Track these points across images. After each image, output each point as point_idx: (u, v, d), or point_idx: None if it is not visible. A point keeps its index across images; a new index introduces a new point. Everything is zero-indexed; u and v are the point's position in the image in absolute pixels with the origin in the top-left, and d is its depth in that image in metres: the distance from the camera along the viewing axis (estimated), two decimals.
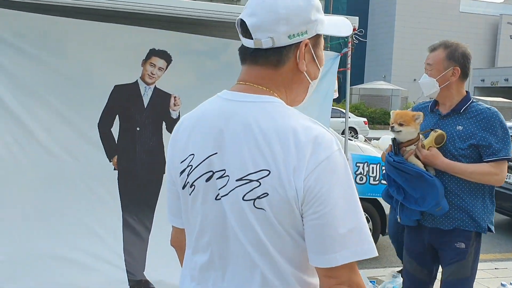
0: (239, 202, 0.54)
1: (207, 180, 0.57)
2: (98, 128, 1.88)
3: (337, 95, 2.17)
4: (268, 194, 0.52)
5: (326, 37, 2.78)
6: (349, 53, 2.03)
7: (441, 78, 1.43)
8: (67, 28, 1.80)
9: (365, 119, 12.07)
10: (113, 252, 1.86)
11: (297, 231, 0.54)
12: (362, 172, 2.95)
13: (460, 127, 1.44)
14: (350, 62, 2.03)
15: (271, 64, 0.58)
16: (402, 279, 2.00)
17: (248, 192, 0.53)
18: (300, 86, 0.62)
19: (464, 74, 1.44)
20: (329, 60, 2.16)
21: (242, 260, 0.56)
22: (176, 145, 0.63)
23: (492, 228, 1.47)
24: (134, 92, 1.91)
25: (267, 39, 0.55)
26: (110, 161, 1.90)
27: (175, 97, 1.95)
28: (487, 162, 1.38)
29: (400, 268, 2.64)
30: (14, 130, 1.76)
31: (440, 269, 1.66)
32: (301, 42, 0.57)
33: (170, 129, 2.02)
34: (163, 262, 1.92)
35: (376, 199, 3.05)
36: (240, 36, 0.59)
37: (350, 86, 2.23)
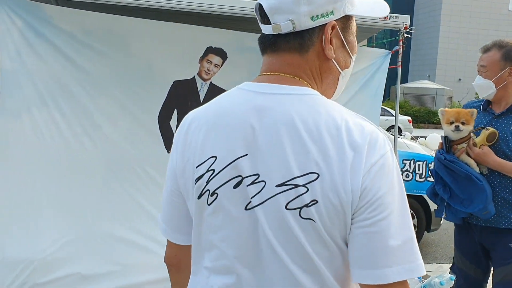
0: (280, 212, 0.46)
1: (235, 186, 0.48)
2: (158, 121, 2.04)
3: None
4: (317, 201, 0.44)
5: (372, 37, 2.78)
6: (400, 51, 2.05)
7: (498, 79, 1.43)
8: (130, 26, 1.96)
9: (409, 118, 12.11)
10: None
11: (346, 243, 0.46)
12: (409, 169, 2.99)
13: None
14: (400, 60, 2.06)
15: (295, 50, 0.50)
16: (449, 274, 2.00)
17: (292, 200, 0.45)
18: (329, 76, 0.53)
19: None
20: (379, 58, 2.19)
21: (282, 281, 0.47)
22: (187, 147, 0.53)
23: None
24: (192, 87, 2.05)
25: (286, 22, 0.48)
26: (168, 152, 2.05)
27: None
28: None
29: (447, 265, 2.65)
30: (83, 121, 1.95)
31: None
32: (326, 24, 0.49)
33: None
34: None
35: (421, 196, 3.08)
36: (260, 23, 0.52)
37: (395, 85, 2.24)
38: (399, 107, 2.65)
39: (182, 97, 2.05)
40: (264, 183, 0.46)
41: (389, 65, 2.11)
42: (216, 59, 2.02)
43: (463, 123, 1.44)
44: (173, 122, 2.05)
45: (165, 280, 1.65)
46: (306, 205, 0.44)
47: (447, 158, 1.50)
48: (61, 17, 1.88)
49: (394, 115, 2.28)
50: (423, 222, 3.22)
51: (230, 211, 0.48)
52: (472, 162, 1.46)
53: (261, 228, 0.46)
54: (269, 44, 0.51)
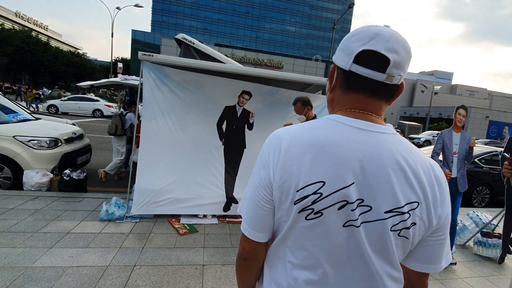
0: (385, 232, 0.57)
1: (339, 208, 0.57)
2: (217, 125, 3.93)
3: None
4: (415, 224, 0.57)
5: (322, 88, 4.75)
6: None
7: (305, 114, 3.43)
8: (206, 79, 3.73)
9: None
10: (220, 183, 3.93)
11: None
12: None
13: None
14: None
15: (389, 98, 0.61)
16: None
17: (397, 223, 0.56)
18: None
19: None
20: (325, 99, 4.18)
21: (363, 276, 0.60)
22: (288, 167, 0.59)
23: None
24: (233, 109, 3.96)
25: (398, 76, 0.57)
26: (221, 141, 3.98)
27: (252, 113, 4.00)
28: None
29: None
30: (181, 125, 3.73)
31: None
32: (402, 82, 0.61)
33: (249, 128, 4.01)
34: (242, 190, 3.99)
35: None
36: (357, 65, 0.59)
37: None
38: None
39: (229, 114, 3.97)
40: (370, 208, 0.56)
41: None
42: (246, 96, 3.94)
43: None
44: (224, 126, 3.97)
45: (219, 203, 3.63)
46: (407, 228, 0.57)
47: None
48: (173, 73, 3.65)
49: None
50: None
51: (330, 227, 0.58)
52: None
53: (357, 241, 0.57)
54: (373, 87, 0.59)
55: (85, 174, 4.56)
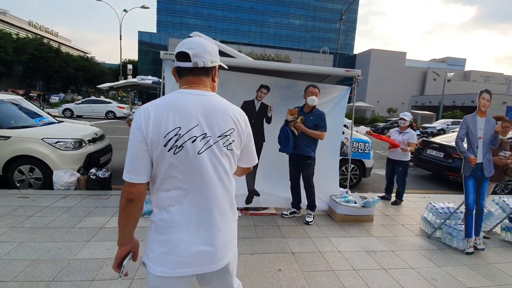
0: (220, 148, 1.04)
1: (193, 142, 1.00)
2: None
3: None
4: (234, 141, 1.07)
5: (341, 79, 4.75)
6: (355, 87, 4.05)
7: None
8: (227, 74, 3.77)
9: (351, 121, 17.26)
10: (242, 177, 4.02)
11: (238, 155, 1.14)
12: (356, 146, 5.19)
13: (311, 117, 3.52)
14: (355, 92, 4.07)
15: (207, 75, 1.09)
16: (377, 197, 3.97)
17: (225, 142, 1.05)
18: (215, 87, 1.16)
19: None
20: (345, 90, 4.19)
21: (214, 186, 1.06)
22: (155, 122, 0.99)
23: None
24: (252, 103, 4.02)
25: (202, 62, 1.05)
26: None
27: (270, 107, 4.05)
28: (320, 131, 3.48)
29: (381, 194, 4.75)
30: None
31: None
32: (215, 66, 1.11)
33: (267, 121, 4.08)
34: (263, 183, 4.07)
35: (361, 160, 5.56)
36: (177, 62, 1.08)
37: (348, 103, 4.24)
38: (347, 116, 4.75)
39: (247, 108, 4.02)
40: (210, 137, 1.02)
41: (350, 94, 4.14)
42: (264, 90, 3.99)
43: (293, 114, 3.53)
44: None
45: (241, 196, 3.72)
46: (230, 143, 1.06)
47: (286, 128, 3.59)
48: None
49: (351, 120, 4.35)
50: (362, 173, 5.69)
51: (189, 155, 1.00)
52: (294, 130, 3.52)
53: (206, 161, 1.03)
54: (190, 71, 1.06)
55: (109, 172, 4.73)
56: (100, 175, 4.58)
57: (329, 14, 72.30)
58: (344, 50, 69.53)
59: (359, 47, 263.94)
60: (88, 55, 58.93)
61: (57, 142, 4.67)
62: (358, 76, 3.94)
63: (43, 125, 5.18)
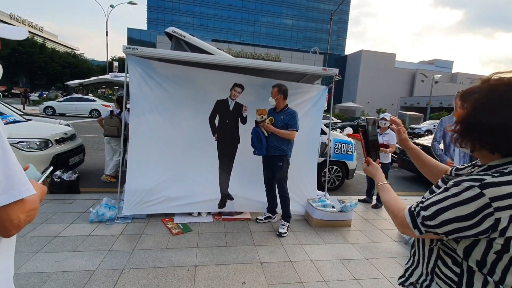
0: None
1: None
2: (209, 120, 3.79)
3: (326, 108, 4.07)
4: None
5: (323, 78, 4.61)
6: (333, 86, 3.90)
7: (278, 99, 3.40)
8: (196, 72, 3.61)
9: (341, 120, 20.22)
10: (214, 178, 3.79)
11: None
12: (338, 147, 5.00)
13: (282, 117, 3.31)
14: (333, 92, 3.92)
15: None
16: (356, 201, 3.83)
17: None
18: None
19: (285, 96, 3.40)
20: (322, 90, 4.04)
21: None
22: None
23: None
24: (226, 103, 3.82)
25: None
26: (213, 136, 3.84)
27: (245, 106, 3.85)
28: (289, 130, 3.30)
29: (362, 197, 4.63)
30: (172, 120, 3.62)
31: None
32: None
33: (242, 122, 3.87)
34: (237, 186, 3.88)
35: (344, 161, 5.39)
36: None
37: (334, 104, 4.10)
38: (337, 116, 4.58)
39: (221, 108, 3.82)
40: None
41: (328, 93, 3.98)
42: (238, 89, 3.80)
43: (262, 115, 3.40)
44: (216, 121, 3.84)
45: (214, 200, 3.52)
46: None
47: (256, 129, 3.46)
48: (161, 67, 3.52)
49: (329, 120, 4.18)
50: (345, 175, 5.54)
51: None
52: (264, 130, 3.39)
53: None
54: None
55: (76, 175, 4.44)
56: (65, 178, 4.30)
57: (321, 14, 72.59)
58: (335, 51, 70.01)
59: (350, 48, 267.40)
60: (75, 51, 57.50)
61: (19, 142, 4.36)
62: (336, 75, 3.79)
63: (6, 123, 4.84)
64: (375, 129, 1.30)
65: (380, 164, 1.25)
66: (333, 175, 5.64)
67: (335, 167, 5.56)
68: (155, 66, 3.49)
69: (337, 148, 5.39)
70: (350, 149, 5.57)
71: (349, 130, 5.30)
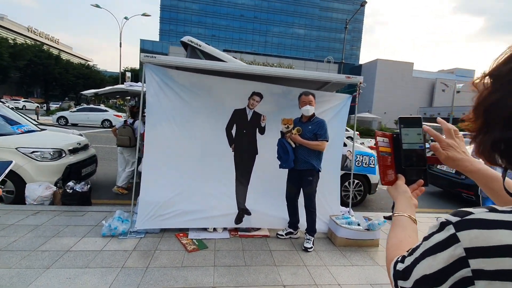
0: None
1: None
2: (225, 130, 3.75)
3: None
4: None
5: (340, 87, 4.48)
6: (358, 95, 3.79)
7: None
8: (214, 80, 3.58)
9: (358, 132, 20.31)
10: (231, 192, 3.70)
11: None
12: (360, 160, 4.84)
13: (310, 127, 3.23)
14: (357, 101, 3.80)
15: None
16: (383, 219, 3.65)
17: None
18: None
19: None
20: (346, 98, 3.93)
21: None
22: None
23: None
24: (243, 113, 3.76)
25: None
26: (230, 147, 3.78)
27: (263, 116, 3.79)
28: (319, 140, 3.22)
29: (387, 214, 4.41)
30: (189, 129, 3.58)
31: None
32: None
33: (260, 132, 3.82)
34: (255, 200, 3.77)
35: (366, 175, 5.26)
36: None
37: (349, 114, 3.98)
38: (352, 127, 4.46)
39: (238, 118, 3.77)
40: None
41: (351, 103, 3.87)
42: (257, 98, 3.74)
43: (288, 125, 3.32)
44: (233, 131, 3.77)
45: (230, 215, 3.42)
46: None
47: (282, 140, 3.39)
48: (178, 75, 3.52)
49: (353, 131, 4.05)
50: (367, 189, 5.42)
51: None
52: (291, 142, 3.31)
53: None
54: None
55: (89, 186, 4.45)
56: (77, 189, 4.30)
57: (334, 23, 73.27)
58: (349, 60, 70.09)
59: (365, 58, 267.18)
60: (89, 62, 59.88)
61: (33, 152, 4.42)
62: (360, 83, 3.69)
63: (21, 133, 4.95)
64: (416, 134, 0.89)
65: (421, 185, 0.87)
66: (354, 189, 5.46)
67: (356, 181, 5.39)
68: (172, 75, 3.51)
69: (358, 160, 5.23)
70: (372, 161, 5.40)
71: (367, 142, 5.15)
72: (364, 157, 5.26)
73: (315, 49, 73.90)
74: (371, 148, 5.53)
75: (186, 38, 4.24)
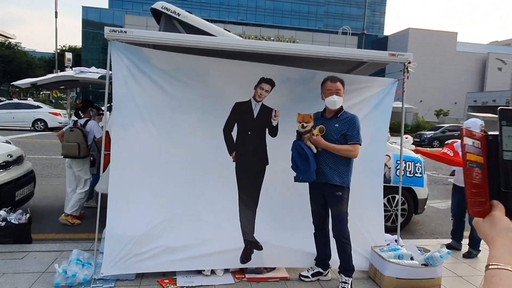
0: None
1: None
2: (223, 133, 3.72)
3: None
4: None
5: (377, 68, 4.50)
6: (405, 79, 3.81)
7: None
8: (207, 63, 3.57)
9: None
10: (233, 218, 3.66)
11: None
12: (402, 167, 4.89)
13: (337, 125, 3.24)
14: (405, 87, 3.83)
15: None
16: (446, 249, 3.68)
17: None
18: None
19: None
20: (389, 85, 3.96)
21: None
22: None
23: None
24: (248, 107, 3.74)
25: None
26: (230, 156, 3.73)
27: (275, 111, 3.77)
28: (349, 144, 3.25)
29: (446, 241, 4.45)
30: (171, 133, 3.54)
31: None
32: None
33: (271, 134, 3.82)
34: (267, 229, 3.74)
35: (411, 188, 5.21)
36: None
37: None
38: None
39: (241, 114, 3.73)
40: None
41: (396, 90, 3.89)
42: (266, 86, 3.72)
43: (306, 122, 3.32)
44: (233, 133, 3.74)
45: (234, 251, 3.38)
46: None
47: (299, 143, 3.39)
48: (156, 57, 3.47)
49: (401, 129, 4.09)
50: (412, 207, 5.42)
51: None
52: (312, 145, 3.33)
53: None
54: None
55: (28, 215, 4.35)
56: (12, 221, 4.20)
57: None
58: (370, 31, 71.11)
59: (391, 27, 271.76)
60: (10, 40, 59.03)
61: None
62: (409, 62, 3.73)
63: None
64: None
65: None
66: (395, 208, 5.47)
67: (397, 197, 5.40)
68: (148, 55, 3.47)
69: (399, 168, 5.23)
70: (418, 169, 5.42)
71: (408, 141, 5.16)
72: (407, 163, 5.27)
73: (324, 16, 74.79)
74: (416, 152, 5.53)
75: (159, 5, 4.19)
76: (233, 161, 3.74)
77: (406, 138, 5.35)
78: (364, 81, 3.99)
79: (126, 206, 3.45)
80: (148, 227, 3.48)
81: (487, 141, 0.82)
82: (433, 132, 24.28)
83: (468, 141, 0.82)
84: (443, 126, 25.27)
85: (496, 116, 0.82)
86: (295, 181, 3.44)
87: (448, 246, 4.57)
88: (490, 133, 0.91)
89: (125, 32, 3.19)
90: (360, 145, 3.30)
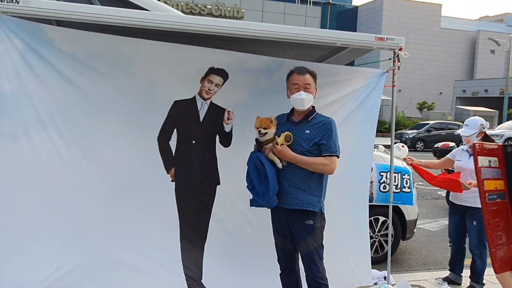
0: None
1: None
2: (158, 142, 3.64)
3: None
4: None
5: (357, 56, 4.68)
6: (395, 71, 3.99)
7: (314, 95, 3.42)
8: (136, 47, 3.50)
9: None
10: (172, 260, 3.64)
11: None
12: (385, 181, 5.11)
13: (307, 131, 3.33)
14: (396, 80, 4.02)
15: None
16: (446, 285, 3.89)
17: None
18: None
19: None
20: (375, 77, 4.13)
21: None
22: None
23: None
24: (192, 107, 3.71)
25: None
26: (168, 173, 3.68)
27: (229, 111, 3.78)
28: (323, 156, 3.29)
29: (443, 273, 4.73)
30: (83, 145, 3.44)
31: None
32: None
33: (223, 142, 3.83)
34: (219, 270, 3.73)
35: (398, 206, 5.39)
36: None
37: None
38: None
39: (182, 117, 3.68)
40: None
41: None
42: (217, 79, 3.71)
43: (264, 128, 3.36)
44: (172, 143, 3.68)
45: None
46: None
47: (257, 156, 3.37)
48: (63, 38, 3.35)
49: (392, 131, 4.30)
50: (399, 232, 5.59)
51: None
52: (275, 158, 3.35)
53: None
54: None
55: None
56: None
57: None
58: (336, 0, 73.80)
59: None
60: None
61: None
62: (401, 49, 3.93)
63: None
64: None
65: None
66: (379, 233, 5.62)
67: (381, 219, 5.57)
68: (52, 37, 3.37)
69: (383, 182, 5.46)
70: (406, 182, 5.58)
71: (403, 150, 5.34)
72: (394, 175, 5.46)
73: None
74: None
75: None
76: (172, 180, 3.73)
77: (403, 146, 5.44)
78: (344, 72, 4.13)
79: (18, 249, 3.36)
80: (53, 277, 3.39)
81: (505, 153, 0.85)
82: (416, 131, 25.57)
83: (483, 161, 0.86)
84: (428, 124, 26.67)
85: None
86: (250, 205, 3.46)
87: (446, 280, 4.83)
88: (507, 144, 0.93)
89: (17, 2, 3.02)
90: (338, 157, 3.35)
